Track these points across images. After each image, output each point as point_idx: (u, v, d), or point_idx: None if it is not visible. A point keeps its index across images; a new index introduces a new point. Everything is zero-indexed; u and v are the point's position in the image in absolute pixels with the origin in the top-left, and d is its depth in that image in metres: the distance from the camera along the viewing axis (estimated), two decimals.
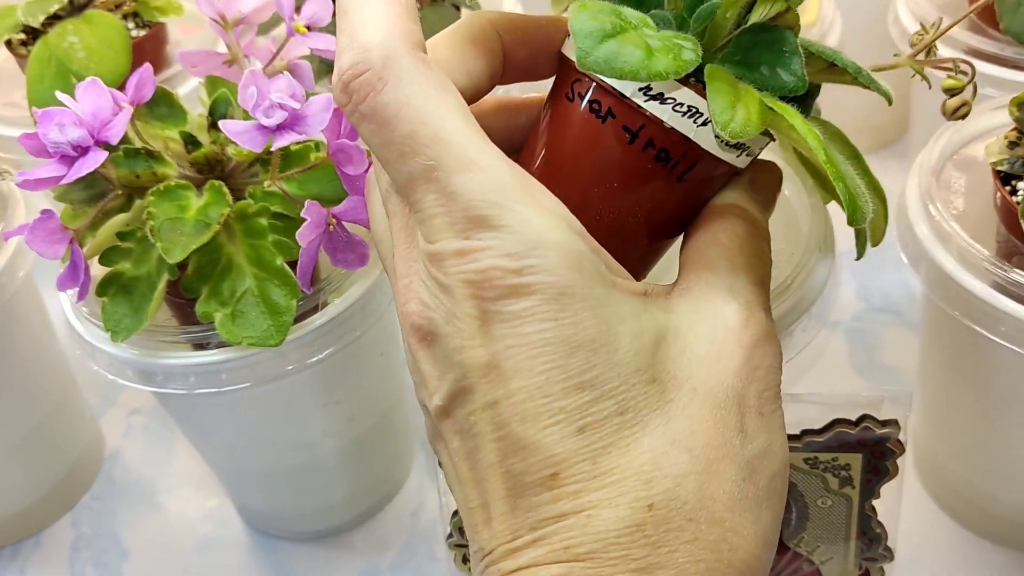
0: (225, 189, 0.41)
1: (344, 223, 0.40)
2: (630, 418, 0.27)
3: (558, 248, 0.27)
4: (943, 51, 0.55)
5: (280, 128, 0.37)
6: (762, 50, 0.31)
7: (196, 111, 0.47)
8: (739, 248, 0.31)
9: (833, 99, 0.39)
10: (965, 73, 0.32)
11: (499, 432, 0.27)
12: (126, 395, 0.64)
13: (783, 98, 0.31)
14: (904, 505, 0.53)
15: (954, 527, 0.52)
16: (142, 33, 0.61)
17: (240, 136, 0.37)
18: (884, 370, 0.61)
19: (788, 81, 0.31)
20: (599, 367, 0.27)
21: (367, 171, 0.38)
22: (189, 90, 0.60)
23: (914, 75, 0.34)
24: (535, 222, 0.27)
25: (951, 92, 0.32)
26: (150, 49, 0.61)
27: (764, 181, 0.33)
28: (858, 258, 0.33)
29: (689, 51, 0.29)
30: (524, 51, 0.33)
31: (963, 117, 0.32)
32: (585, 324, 0.27)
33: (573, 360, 0.26)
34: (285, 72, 0.38)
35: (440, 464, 0.31)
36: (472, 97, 0.31)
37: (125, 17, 0.62)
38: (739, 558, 0.27)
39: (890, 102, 0.33)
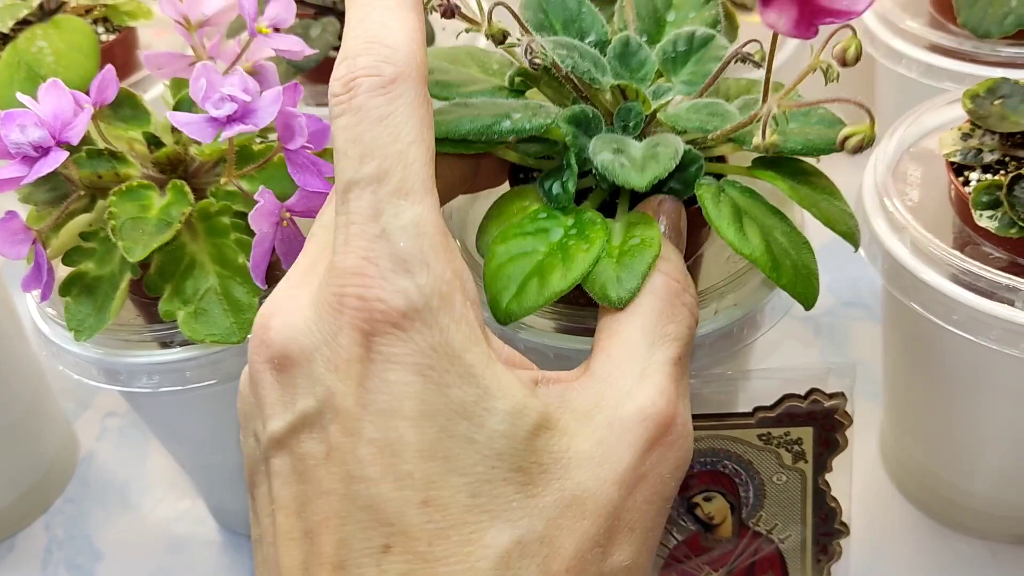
0: (187, 188, 0.42)
1: (296, 221, 0.41)
2: (481, 503, 0.24)
3: (448, 305, 0.25)
4: (906, 48, 0.56)
5: (230, 120, 0.37)
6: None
7: (163, 114, 0.47)
8: (659, 315, 0.29)
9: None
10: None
11: (339, 484, 0.24)
12: (100, 398, 0.65)
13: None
14: (872, 498, 0.54)
15: (920, 518, 0.52)
16: (112, 38, 0.62)
17: (189, 127, 0.37)
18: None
19: (555, 193, 0.34)
20: (457, 439, 0.24)
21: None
22: (158, 94, 0.60)
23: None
24: (438, 273, 0.26)
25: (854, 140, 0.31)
26: (120, 54, 0.62)
27: (673, 220, 0.33)
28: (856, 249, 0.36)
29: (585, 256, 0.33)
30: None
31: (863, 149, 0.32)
32: (452, 388, 0.25)
33: (431, 423, 0.24)
34: (238, 68, 0.38)
35: (254, 511, 0.27)
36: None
37: (95, 22, 0.62)
38: None
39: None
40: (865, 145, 0.31)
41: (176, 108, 0.45)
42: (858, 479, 0.54)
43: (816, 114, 0.35)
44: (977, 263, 0.39)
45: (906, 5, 0.57)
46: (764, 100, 0.31)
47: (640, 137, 0.36)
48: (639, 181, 0.31)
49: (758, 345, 0.43)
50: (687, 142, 0.35)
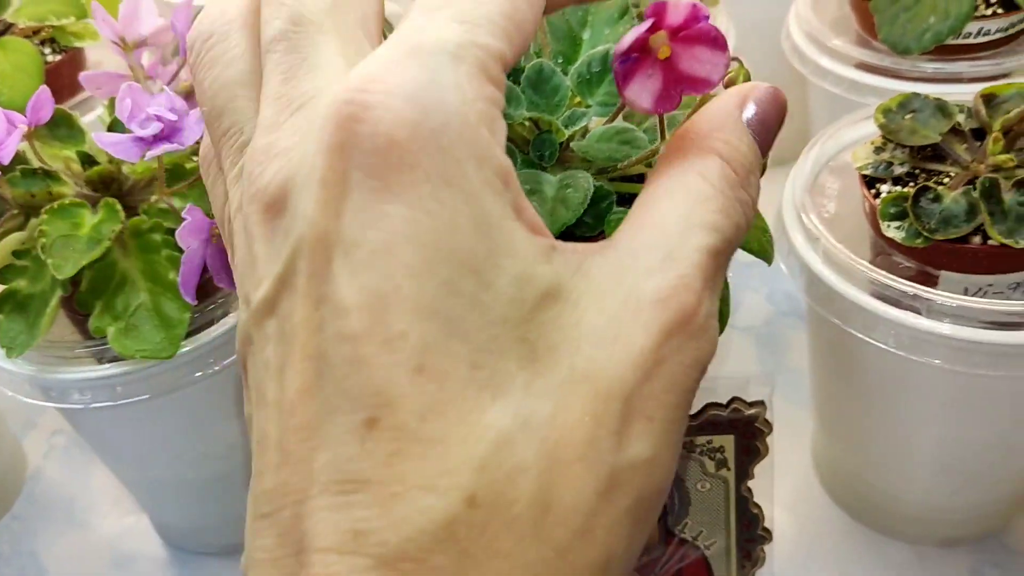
0: (119, 206, 0.42)
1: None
2: (483, 377, 0.20)
3: (475, 137, 0.21)
4: (832, 66, 0.57)
5: (156, 139, 0.38)
6: None
7: None
8: (704, 200, 0.24)
9: None
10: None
11: (317, 345, 0.20)
12: (47, 417, 0.65)
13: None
14: (804, 504, 0.55)
15: (851, 523, 0.54)
16: (59, 58, 0.63)
17: (114, 148, 0.38)
18: (791, 372, 0.62)
19: None
20: (462, 297, 0.20)
21: None
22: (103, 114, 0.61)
23: None
24: (472, 95, 0.21)
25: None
26: (67, 74, 0.62)
27: (764, 111, 0.26)
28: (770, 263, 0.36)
29: None
30: None
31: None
32: (465, 233, 0.20)
33: (433, 273, 0.20)
34: (165, 88, 0.39)
35: (245, 387, 0.23)
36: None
37: (43, 43, 0.63)
38: None
39: None
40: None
41: (111, 128, 0.46)
42: (790, 485, 0.56)
43: None
44: (885, 273, 0.41)
45: (834, 24, 0.59)
46: (661, 138, 0.32)
47: (557, 164, 0.37)
48: (549, 228, 0.33)
49: None
50: (602, 168, 0.36)
